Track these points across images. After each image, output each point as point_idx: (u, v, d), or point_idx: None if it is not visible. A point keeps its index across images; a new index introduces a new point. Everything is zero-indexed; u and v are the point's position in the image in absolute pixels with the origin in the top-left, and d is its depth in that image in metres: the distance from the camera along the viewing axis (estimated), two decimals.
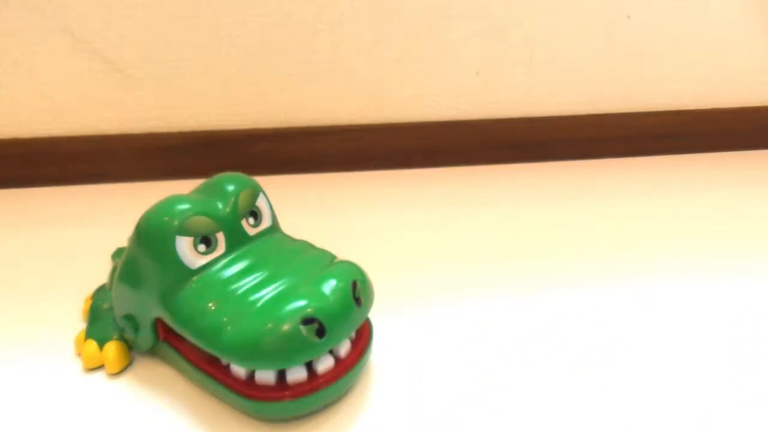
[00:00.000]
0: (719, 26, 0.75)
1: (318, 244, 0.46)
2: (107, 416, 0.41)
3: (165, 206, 0.41)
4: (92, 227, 0.51)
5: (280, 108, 0.72)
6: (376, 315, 0.47)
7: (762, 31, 0.76)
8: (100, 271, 0.51)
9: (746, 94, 0.80)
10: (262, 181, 0.47)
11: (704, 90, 0.79)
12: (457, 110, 0.75)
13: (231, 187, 0.44)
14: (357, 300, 0.40)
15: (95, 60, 0.67)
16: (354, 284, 0.40)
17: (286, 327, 0.37)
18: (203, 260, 0.41)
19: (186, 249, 0.40)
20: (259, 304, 0.38)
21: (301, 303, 0.38)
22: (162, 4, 0.65)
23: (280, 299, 0.38)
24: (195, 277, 0.41)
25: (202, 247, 0.41)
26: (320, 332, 0.37)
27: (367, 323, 0.45)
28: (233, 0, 0.65)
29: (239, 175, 0.45)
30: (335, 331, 0.38)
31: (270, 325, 0.37)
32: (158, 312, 0.41)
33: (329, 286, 0.39)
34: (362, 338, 0.43)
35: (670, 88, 0.78)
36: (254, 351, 0.37)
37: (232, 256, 0.42)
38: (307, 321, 0.37)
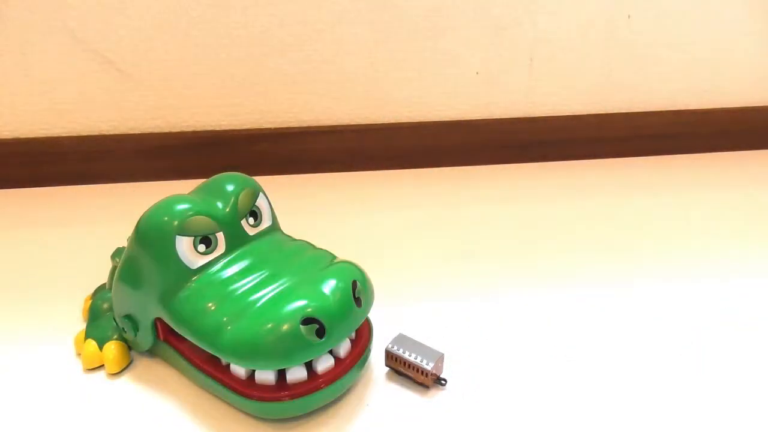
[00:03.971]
0: (719, 26, 0.75)
1: (318, 244, 0.46)
2: (107, 416, 0.41)
3: (165, 206, 0.41)
4: (92, 227, 0.50)
5: (280, 108, 0.72)
6: (376, 314, 0.47)
7: (762, 31, 0.76)
8: (100, 271, 0.51)
9: (746, 94, 0.80)
10: (262, 181, 0.47)
11: (704, 90, 0.79)
12: (457, 110, 0.75)
13: (231, 187, 0.44)
14: (357, 300, 0.40)
15: (95, 60, 0.67)
16: (354, 284, 0.40)
17: (285, 327, 0.37)
18: (203, 260, 0.41)
19: (186, 249, 0.40)
20: (258, 304, 0.38)
21: (301, 303, 0.38)
22: (162, 4, 0.65)
23: (279, 299, 0.38)
24: (195, 277, 0.41)
25: (202, 247, 0.41)
26: (320, 332, 0.37)
27: (366, 323, 0.45)
28: (233, 0, 0.65)
29: (239, 175, 0.45)
30: (335, 332, 0.38)
31: (270, 325, 0.37)
32: (158, 312, 0.41)
33: (329, 286, 0.39)
34: (362, 338, 0.43)
35: (670, 88, 0.78)
36: (254, 351, 0.37)
37: (233, 255, 0.42)
38: (307, 321, 0.37)
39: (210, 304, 0.39)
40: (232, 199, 0.43)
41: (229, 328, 0.38)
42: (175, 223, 0.40)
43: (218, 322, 0.38)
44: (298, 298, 0.38)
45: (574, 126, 0.77)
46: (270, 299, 0.39)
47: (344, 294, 0.39)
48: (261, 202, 0.45)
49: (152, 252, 0.41)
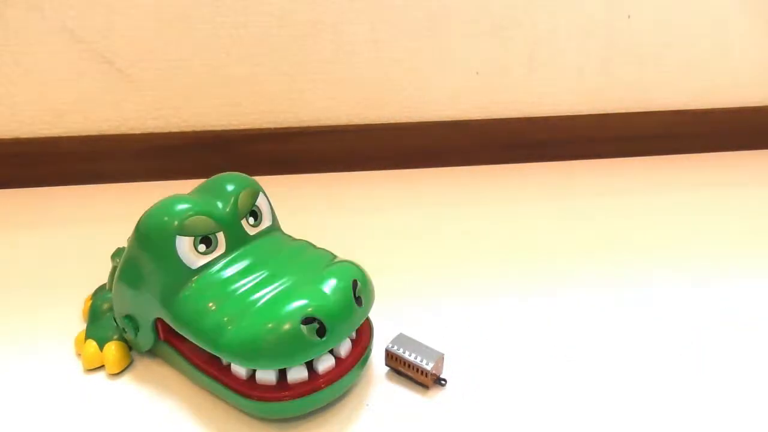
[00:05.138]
0: (719, 26, 0.75)
1: (318, 244, 0.46)
2: (107, 416, 0.41)
3: (165, 206, 0.41)
4: (92, 227, 0.51)
5: (280, 108, 0.72)
6: (376, 314, 0.47)
7: (762, 31, 0.76)
8: (100, 271, 0.51)
9: (746, 94, 0.80)
10: (262, 181, 0.47)
11: (704, 90, 0.79)
12: (457, 110, 0.75)
13: (231, 187, 0.44)
14: (357, 299, 0.40)
15: (95, 60, 0.67)
16: (355, 283, 0.40)
17: (286, 326, 0.37)
18: (203, 260, 0.41)
19: (186, 249, 0.40)
20: (259, 304, 0.38)
21: (302, 302, 0.38)
22: (162, 4, 0.64)
23: (280, 299, 0.38)
24: (195, 277, 0.41)
25: (202, 247, 0.41)
26: (321, 332, 0.37)
27: (367, 323, 0.45)
28: (233, 0, 0.65)
29: (239, 175, 0.45)
30: (336, 331, 0.38)
31: (270, 325, 0.37)
32: (159, 312, 0.41)
33: (330, 286, 0.39)
34: (363, 338, 0.43)
35: (670, 88, 0.78)
36: (255, 351, 0.37)
37: (233, 255, 0.42)
38: (308, 320, 0.37)
39: (211, 304, 0.39)
40: (232, 199, 0.43)
41: (230, 327, 0.37)
42: (176, 223, 0.40)
43: (219, 322, 0.38)
44: (299, 297, 0.38)
45: (574, 126, 0.77)
46: (270, 299, 0.39)
47: (345, 293, 0.39)
48: (261, 202, 0.45)
49: (153, 252, 0.41)
